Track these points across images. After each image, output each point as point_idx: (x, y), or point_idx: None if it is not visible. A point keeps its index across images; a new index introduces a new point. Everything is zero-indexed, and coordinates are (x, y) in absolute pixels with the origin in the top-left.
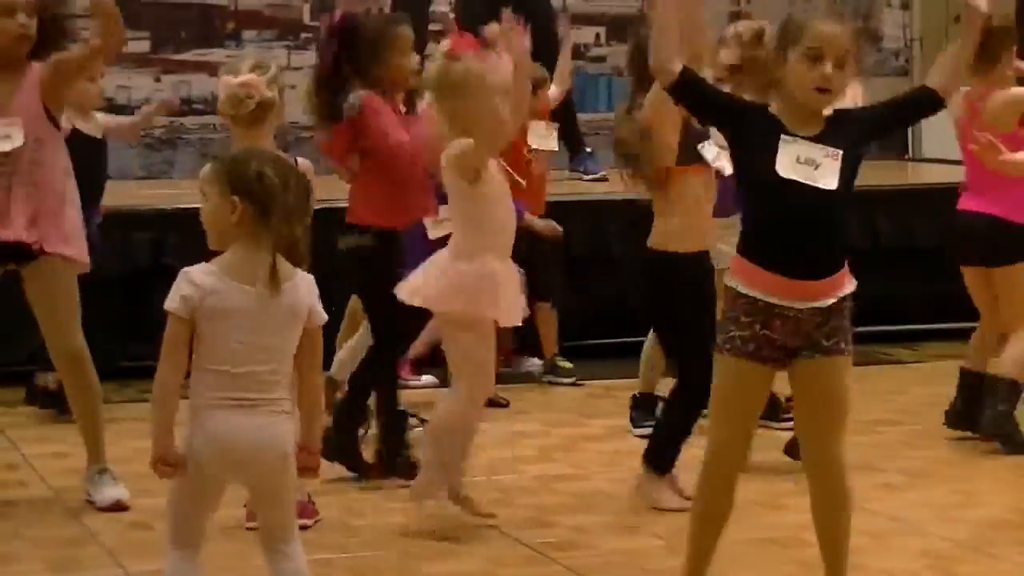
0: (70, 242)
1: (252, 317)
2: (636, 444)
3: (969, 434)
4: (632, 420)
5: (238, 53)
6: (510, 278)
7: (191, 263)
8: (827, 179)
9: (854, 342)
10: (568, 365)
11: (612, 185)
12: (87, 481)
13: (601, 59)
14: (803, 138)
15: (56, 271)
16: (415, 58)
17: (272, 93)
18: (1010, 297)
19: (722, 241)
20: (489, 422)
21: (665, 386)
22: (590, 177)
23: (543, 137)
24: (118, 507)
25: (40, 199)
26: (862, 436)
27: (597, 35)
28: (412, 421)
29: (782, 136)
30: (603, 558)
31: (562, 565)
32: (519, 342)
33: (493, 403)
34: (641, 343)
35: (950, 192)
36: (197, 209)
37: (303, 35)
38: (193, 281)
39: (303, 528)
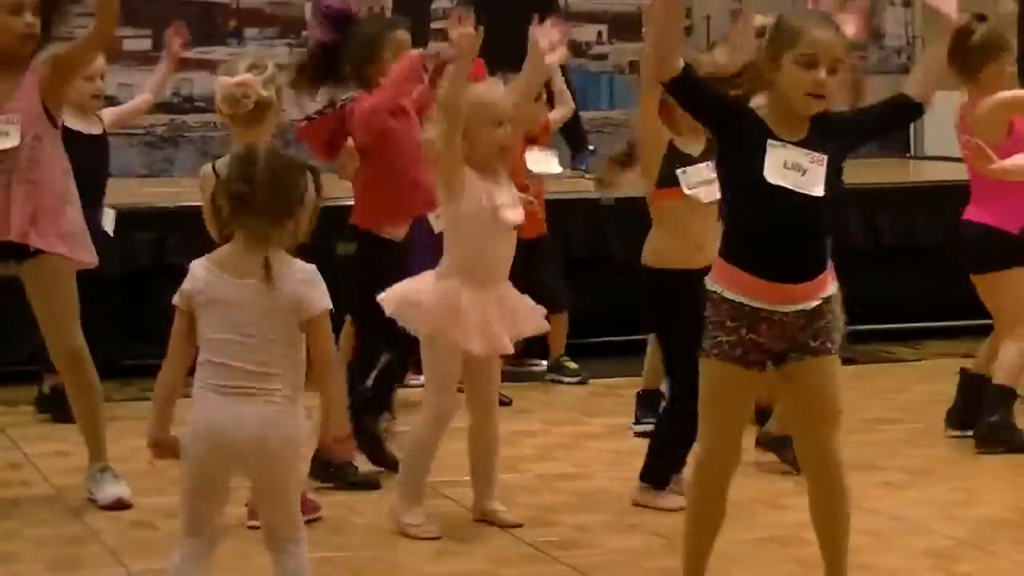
0: (68, 241)
1: (242, 309)
2: (638, 443)
3: (970, 433)
4: (636, 417)
5: (240, 51)
6: (485, 307)
7: (192, 261)
8: (814, 186)
9: (855, 341)
10: (574, 365)
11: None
12: (89, 480)
13: (603, 57)
14: (790, 143)
15: (55, 270)
16: None
17: (269, 92)
18: (997, 305)
19: None
20: None
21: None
22: (592, 175)
23: (541, 163)
24: (120, 505)
25: (39, 197)
26: (863, 434)
27: (599, 33)
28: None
29: (769, 140)
30: (605, 557)
31: (564, 564)
32: (523, 344)
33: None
34: (642, 341)
35: (952, 190)
36: (198, 207)
37: (304, 33)
38: (192, 275)
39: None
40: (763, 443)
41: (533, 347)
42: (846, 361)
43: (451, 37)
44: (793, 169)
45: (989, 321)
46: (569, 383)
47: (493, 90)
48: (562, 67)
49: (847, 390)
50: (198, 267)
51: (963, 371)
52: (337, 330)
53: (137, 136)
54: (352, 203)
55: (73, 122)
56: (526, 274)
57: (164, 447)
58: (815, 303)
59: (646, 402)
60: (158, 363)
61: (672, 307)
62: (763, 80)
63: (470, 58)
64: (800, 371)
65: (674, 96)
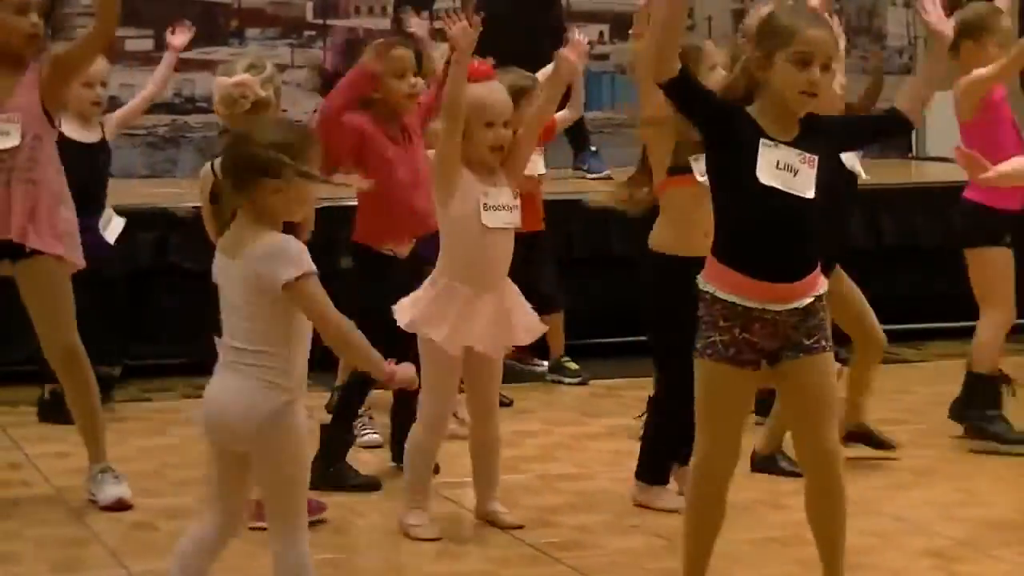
0: (64, 241)
1: (227, 287)
2: (639, 443)
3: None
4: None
5: (241, 51)
6: (480, 307)
7: (193, 262)
8: (806, 187)
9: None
10: (574, 366)
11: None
12: (89, 481)
13: (604, 57)
14: (782, 143)
15: (51, 270)
16: (411, 81)
17: (267, 92)
18: (975, 282)
19: None
20: None
21: None
22: (594, 176)
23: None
24: (120, 505)
25: (37, 197)
26: None
27: (601, 33)
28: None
29: (762, 140)
30: (606, 558)
31: (565, 565)
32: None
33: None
34: (643, 342)
35: (954, 191)
36: (200, 207)
37: (306, 33)
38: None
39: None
40: (757, 466)
41: (535, 347)
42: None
43: (449, 34)
44: (785, 170)
45: None
46: (570, 383)
47: (491, 92)
48: None
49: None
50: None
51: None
52: None
53: (139, 137)
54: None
55: (70, 130)
56: (523, 270)
57: None
58: (808, 301)
59: None
60: (158, 363)
61: (676, 294)
62: (754, 80)
63: (468, 54)
64: (795, 369)
65: (670, 97)
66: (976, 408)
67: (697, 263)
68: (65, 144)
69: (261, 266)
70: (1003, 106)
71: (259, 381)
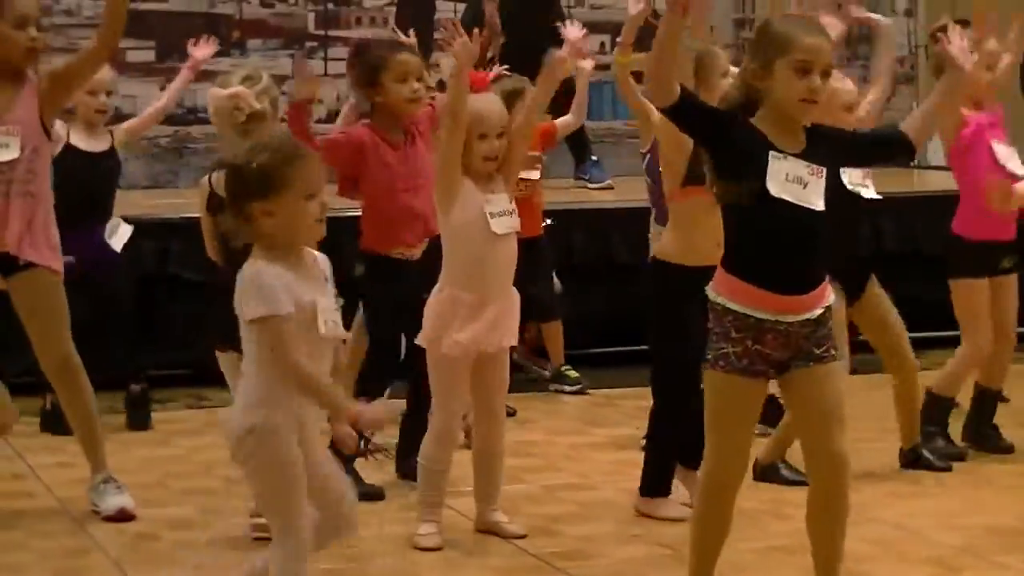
0: (57, 254)
1: None
2: (642, 453)
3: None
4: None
5: (243, 62)
6: (482, 313)
7: (196, 272)
8: (815, 199)
9: (859, 351)
10: (574, 374)
11: (617, 193)
12: (91, 491)
13: (606, 67)
14: (790, 155)
15: (47, 282)
16: (413, 86)
17: (262, 105)
18: (956, 310)
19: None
20: None
21: None
22: (595, 185)
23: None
24: (123, 515)
25: (34, 210)
26: (868, 444)
27: (602, 43)
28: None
29: (771, 153)
30: (609, 567)
31: (568, 574)
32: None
33: None
34: (643, 352)
35: (957, 200)
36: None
37: (308, 44)
38: None
39: None
40: (759, 475)
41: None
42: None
43: (448, 48)
44: (794, 182)
45: None
46: (570, 391)
47: (485, 104)
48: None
49: (850, 398)
50: None
51: (976, 384)
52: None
53: (141, 147)
54: None
55: (77, 139)
56: (521, 277)
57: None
58: (819, 311)
59: None
60: (162, 373)
61: (683, 304)
62: (754, 90)
63: (469, 67)
64: (805, 378)
65: (673, 121)
66: (929, 423)
67: (704, 273)
68: (72, 153)
69: (238, 293)
70: (982, 132)
71: (240, 400)
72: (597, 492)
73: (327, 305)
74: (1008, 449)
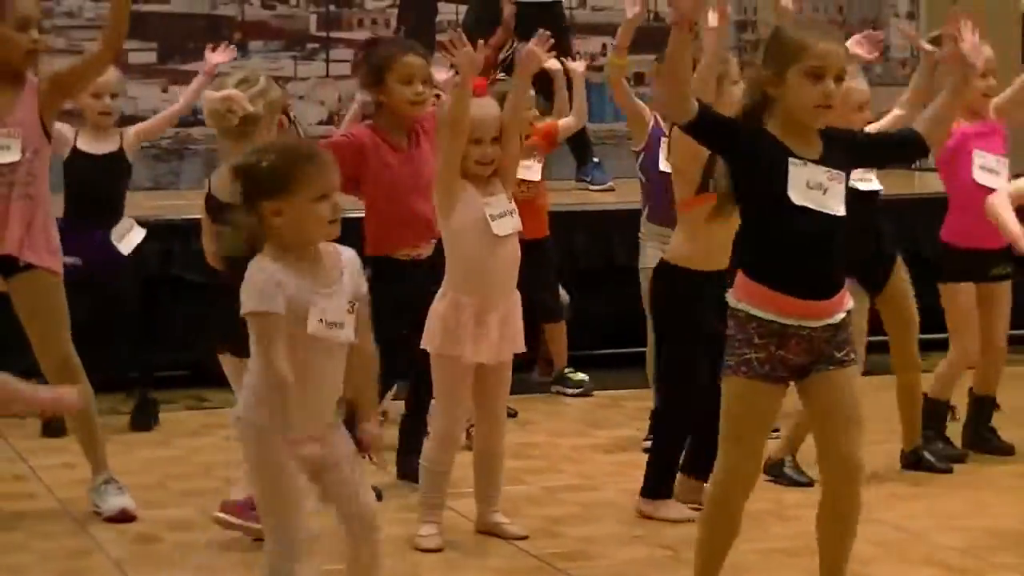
0: (56, 255)
1: None
2: (643, 455)
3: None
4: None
5: (245, 63)
6: (485, 318)
7: (197, 273)
8: (835, 204)
9: (872, 351)
10: (578, 377)
11: (619, 195)
12: (92, 492)
13: None
14: (809, 161)
15: (46, 284)
16: (418, 89)
17: (256, 108)
18: (946, 314)
19: (655, 245)
20: None
21: None
22: (597, 187)
23: (524, 168)
24: (124, 516)
25: (33, 212)
26: (874, 445)
27: (604, 45)
28: None
29: (790, 160)
30: (611, 568)
31: (570, 575)
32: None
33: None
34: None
35: None
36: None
37: (309, 46)
38: None
39: None
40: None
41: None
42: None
43: (453, 60)
44: (815, 188)
45: None
46: (573, 394)
47: (480, 109)
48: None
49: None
50: None
51: (970, 392)
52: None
53: (143, 149)
54: None
55: (84, 142)
56: (525, 279)
57: None
58: (841, 316)
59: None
60: (164, 375)
61: (694, 308)
62: (767, 97)
63: (473, 76)
64: (825, 382)
65: (692, 136)
66: (927, 427)
67: (714, 277)
68: (78, 156)
69: (241, 288)
70: (965, 142)
71: (244, 393)
72: (598, 493)
73: (329, 305)
74: (1008, 450)
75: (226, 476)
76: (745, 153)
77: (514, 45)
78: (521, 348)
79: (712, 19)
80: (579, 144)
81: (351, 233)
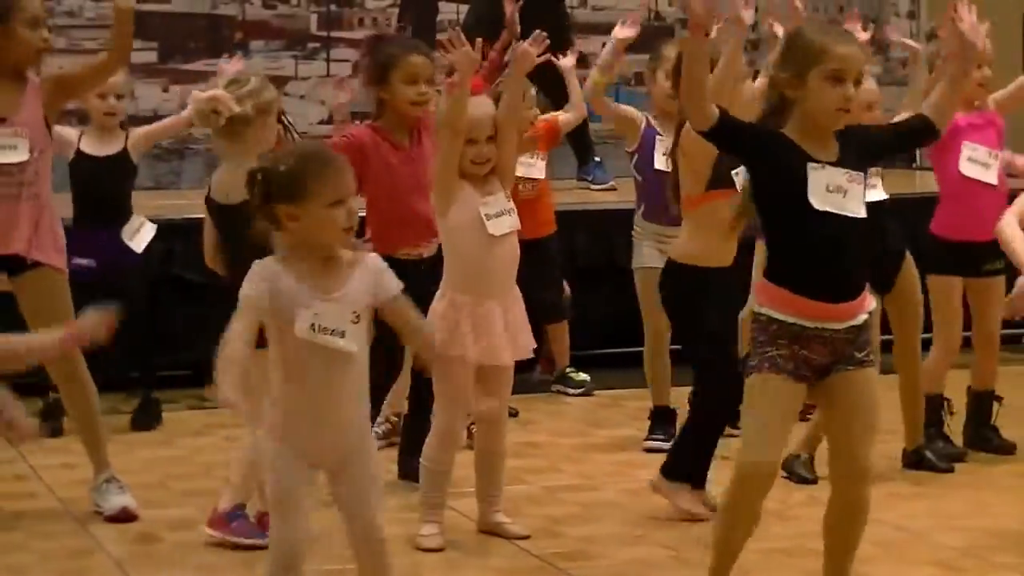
0: (63, 254)
1: None
2: (644, 454)
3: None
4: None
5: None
6: (485, 317)
7: (199, 273)
8: (856, 206)
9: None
10: (579, 377)
11: (620, 194)
12: (94, 491)
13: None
14: (827, 164)
15: (53, 282)
16: (421, 89)
17: (243, 108)
18: (931, 305)
19: (651, 244)
20: None
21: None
22: (598, 187)
23: (527, 166)
24: (125, 514)
25: (40, 211)
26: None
27: (603, 45)
28: None
29: (809, 165)
30: (612, 568)
31: (571, 575)
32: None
33: None
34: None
35: None
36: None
37: (310, 45)
38: None
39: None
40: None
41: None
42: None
43: (449, 59)
44: (835, 192)
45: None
46: (574, 394)
47: (474, 108)
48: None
49: None
50: None
51: (968, 389)
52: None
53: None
54: None
55: (88, 144)
56: (528, 277)
57: None
58: (864, 317)
59: (658, 419)
60: (166, 375)
61: (710, 304)
62: (785, 100)
63: (470, 77)
64: (845, 382)
65: (712, 142)
66: (927, 425)
67: (725, 273)
68: (82, 158)
69: None
70: (956, 134)
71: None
72: (599, 493)
73: (325, 311)
74: (1009, 449)
75: (227, 476)
76: (765, 159)
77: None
78: (527, 354)
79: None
80: (580, 143)
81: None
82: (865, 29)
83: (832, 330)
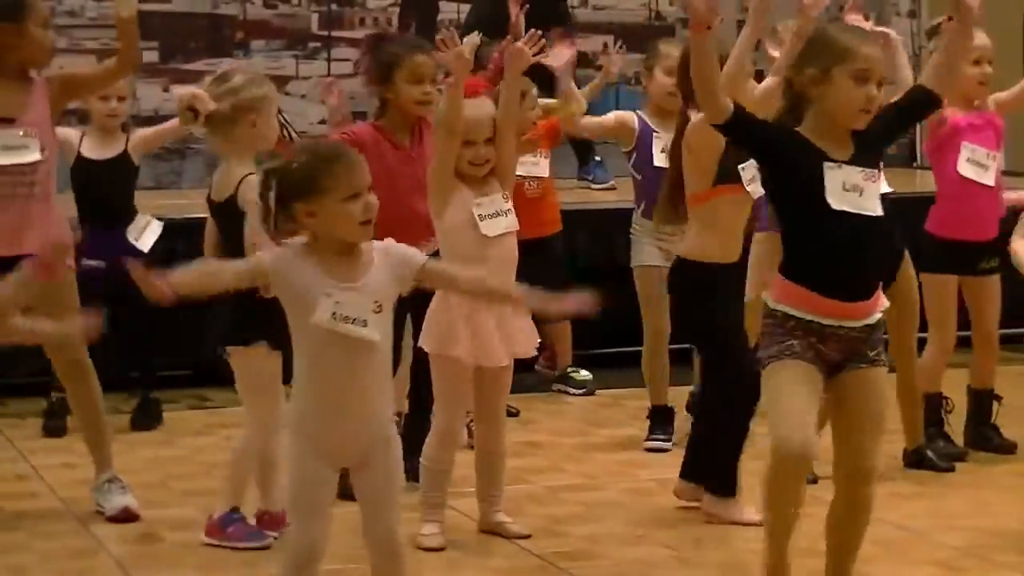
0: (71, 251)
1: None
2: (645, 454)
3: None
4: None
5: (247, 62)
6: (481, 317)
7: None
8: (873, 205)
9: None
10: (581, 377)
11: (621, 194)
12: (95, 491)
13: None
14: (843, 163)
15: (63, 279)
16: (426, 89)
17: (222, 105)
18: (925, 303)
19: (650, 241)
20: None
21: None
22: (599, 186)
23: (532, 165)
24: (126, 515)
25: (50, 209)
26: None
27: (605, 44)
28: None
29: (825, 164)
30: (613, 568)
31: (572, 575)
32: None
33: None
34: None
35: None
36: (205, 219)
37: (311, 45)
38: None
39: None
40: None
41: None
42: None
43: (443, 60)
44: (852, 191)
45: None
46: (576, 394)
47: (473, 110)
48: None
49: None
50: None
51: (968, 388)
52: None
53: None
54: None
55: (88, 147)
56: (531, 276)
57: None
58: (878, 315)
59: (657, 418)
60: (166, 375)
61: (720, 300)
62: (803, 97)
63: (463, 78)
64: (855, 381)
65: (726, 136)
66: (927, 424)
67: (733, 269)
68: (82, 162)
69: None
70: (956, 134)
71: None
72: (601, 493)
73: (346, 299)
74: (1010, 448)
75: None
76: (781, 157)
77: None
78: (526, 354)
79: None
80: (581, 143)
81: None
82: (867, 19)
83: (848, 328)
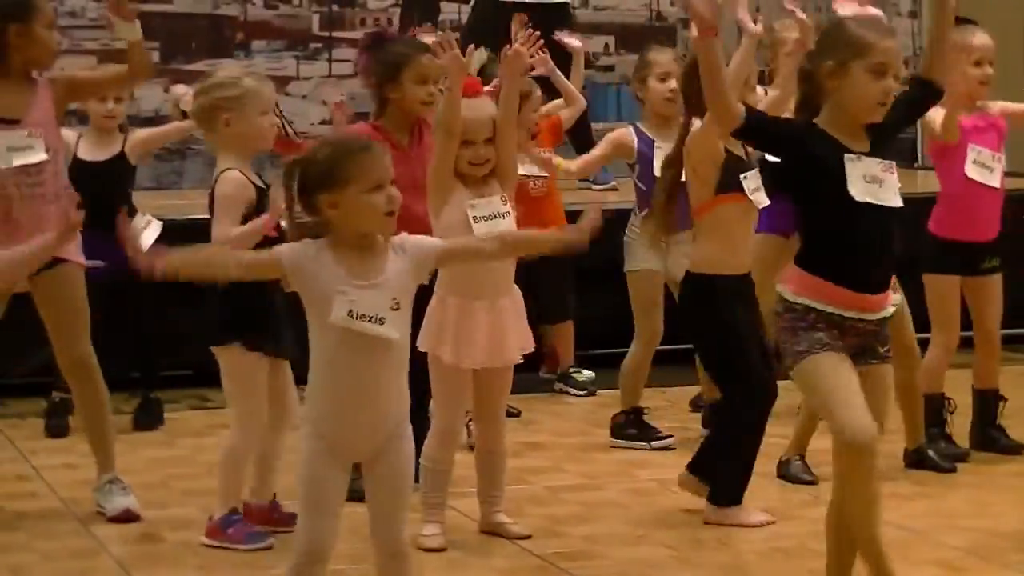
0: (80, 248)
1: None
2: (645, 454)
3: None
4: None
5: (248, 63)
6: (477, 319)
7: None
8: (892, 196)
9: None
10: (582, 377)
11: (622, 195)
12: (97, 491)
13: (610, 68)
14: (863, 155)
15: (73, 277)
16: (430, 90)
17: (200, 102)
18: (928, 303)
19: (650, 246)
20: None
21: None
22: (600, 187)
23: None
24: (127, 516)
25: (61, 209)
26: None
27: (606, 44)
28: None
29: (845, 156)
30: (614, 568)
31: (572, 575)
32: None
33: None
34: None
35: None
36: (206, 219)
37: (312, 45)
38: None
39: None
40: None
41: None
42: None
43: (439, 62)
44: (872, 182)
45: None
46: (578, 395)
47: (472, 110)
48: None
49: None
50: None
51: (972, 389)
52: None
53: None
54: None
55: (84, 149)
56: (533, 276)
57: None
58: (891, 309)
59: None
60: (167, 375)
61: (731, 312)
62: (820, 90)
63: (460, 79)
64: (865, 376)
65: (743, 140)
66: (929, 424)
67: (740, 280)
68: (78, 164)
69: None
70: (961, 136)
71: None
72: (601, 493)
73: (362, 297)
74: (1016, 449)
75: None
76: (803, 151)
77: None
78: (516, 358)
79: (750, 27)
80: (582, 143)
81: None
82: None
83: (866, 320)
